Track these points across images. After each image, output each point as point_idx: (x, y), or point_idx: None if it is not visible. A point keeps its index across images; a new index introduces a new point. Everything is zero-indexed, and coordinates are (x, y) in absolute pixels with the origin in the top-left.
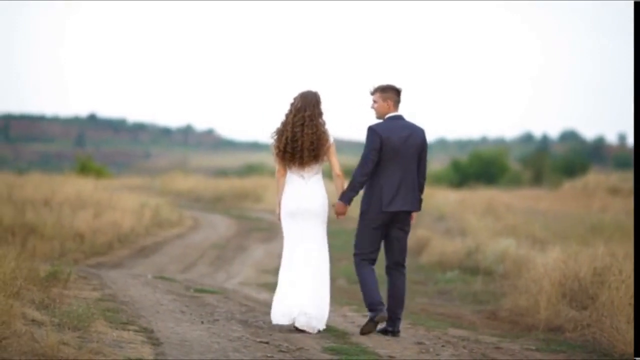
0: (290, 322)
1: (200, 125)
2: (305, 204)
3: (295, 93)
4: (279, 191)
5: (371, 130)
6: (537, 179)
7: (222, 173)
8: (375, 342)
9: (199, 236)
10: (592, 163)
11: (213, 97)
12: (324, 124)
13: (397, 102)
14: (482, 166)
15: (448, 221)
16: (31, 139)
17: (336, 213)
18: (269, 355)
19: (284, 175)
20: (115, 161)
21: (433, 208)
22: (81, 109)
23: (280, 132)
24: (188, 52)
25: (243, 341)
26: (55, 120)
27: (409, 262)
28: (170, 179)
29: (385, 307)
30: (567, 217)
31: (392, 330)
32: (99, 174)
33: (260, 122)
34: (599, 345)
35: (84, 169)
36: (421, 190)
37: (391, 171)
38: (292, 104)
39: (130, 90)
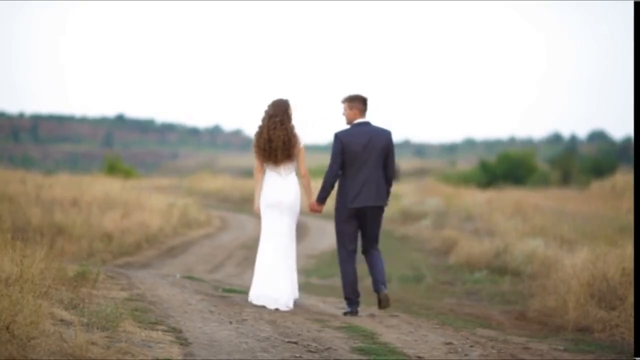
0: (264, 303)
1: (228, 125)
2: (282, 197)
3: (269, 101)
4: (257, 187)
5: (335, 136)
6: (565, 180)
7: (250, 173)
8: (404, 342)
9: (227, 236)
10: (621, 163)
11: (241, 97)
12: (293, 128)
13: (362, 110)
14: (510, 167)
15: (476, 221)
16: (59, 139)
17: (310, 210)
18: (297, 355)
19: (261, 172)
20: (143, 161)
21: (461, 208)
22: (109, 110)
23: (259, 134)
24: (216, 52)
25: (271, 341)
26: (83, 121)
27: (436, 262)
28: (198, 179)
29: (360, 298)
30: (595, 218)
31: (379, 293)
32: (127, 174)
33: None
34: (628, 346)
35: (112, 169)
36: (389, 184)
37: (355, 172)
38: (266, 111)
39: (158, 91)
